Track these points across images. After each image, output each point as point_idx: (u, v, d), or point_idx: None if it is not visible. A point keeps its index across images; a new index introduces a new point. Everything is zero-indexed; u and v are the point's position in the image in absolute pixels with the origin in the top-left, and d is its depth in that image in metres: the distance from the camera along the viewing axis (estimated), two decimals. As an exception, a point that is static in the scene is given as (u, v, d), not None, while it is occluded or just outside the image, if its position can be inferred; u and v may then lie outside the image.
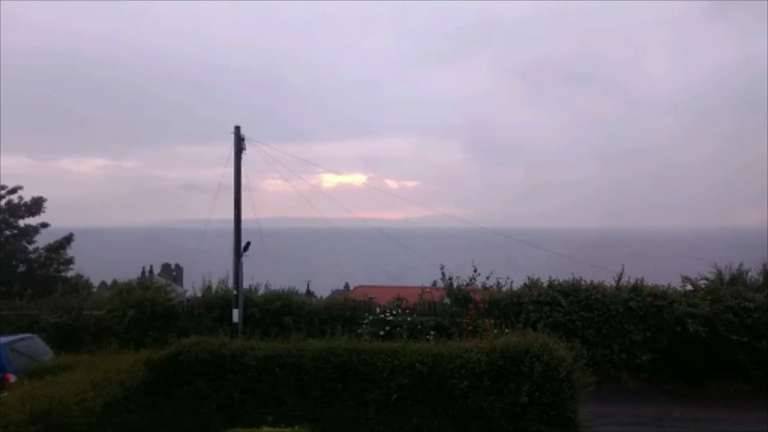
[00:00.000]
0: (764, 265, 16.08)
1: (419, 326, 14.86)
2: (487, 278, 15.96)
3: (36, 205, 25.20)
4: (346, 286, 52.72)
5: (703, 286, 15.71)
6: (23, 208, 24.94)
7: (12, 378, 10.29)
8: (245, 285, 16.32)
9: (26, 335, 12.87)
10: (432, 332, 14.25)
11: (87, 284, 25.81)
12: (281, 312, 15.67)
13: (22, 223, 24.92)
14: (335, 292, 42.50)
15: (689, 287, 15.73)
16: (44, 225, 25.30)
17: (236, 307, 15.28)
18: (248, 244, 15.78)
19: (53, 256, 24.99)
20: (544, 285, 15.42)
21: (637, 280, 15.45)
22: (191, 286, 18.65)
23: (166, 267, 65.63)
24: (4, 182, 25.05)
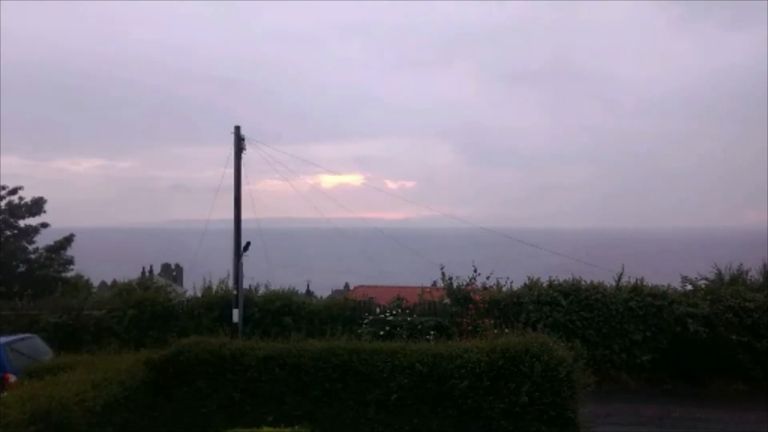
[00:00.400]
0: (764, 265, 16.07)
1: (419, 326, 14.85)
2: (487, 278, 15.96)
3: (36, 206, 25.22)
4: (346, 286, 52.73)
5: (703, 286, 15.69)
6: (23, 209, 24.96)
7: (12, 378, 10.29)
8: (245, 285, 16.33)
9: (26, 335, 12.86)
10: (432, 332, 14.24)
11: (87, 284, 25.83)
12: (281, 312, 15.67)
13: (22, 223, 24.94)
14: (335, 292, 42.52)
15: (689, 287, 15.72)
16: (44, 225, 25.32)
17: (236, 307, 15.29)
18: (248, 244, 15.78)
19: (53, 256, 25.01)
20: (544, 285, 15.41)
21: (637, 280, 15.44)
22: (191, 286, 18.65)
23: (166, 267, 65.73)
24: (2, 183, 25.09)
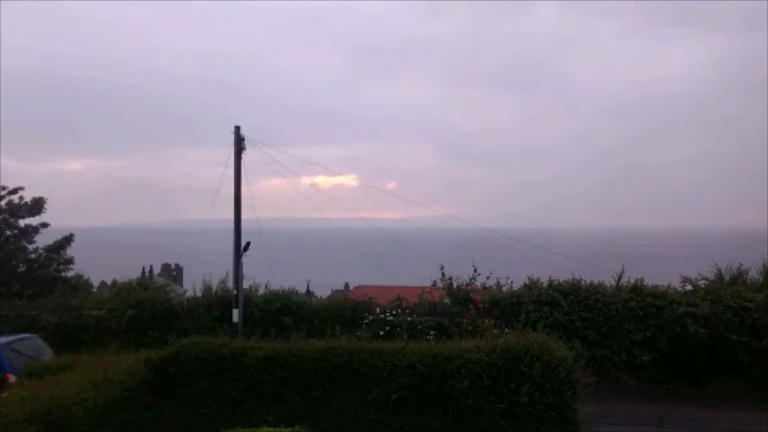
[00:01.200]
0: (764, 265, 16.06)
1: (419, 326, 14.86)
2: (487, 278, 15.95)
3: (36, 206, 25.21)
4: (346, 286, 52.78)
5: (703, 286, 15.68)
6: (23, 208, 24.95)
7: (12, 378, 10.29)
8: (245, 285, 16.33)
9: (26, 335, 12.85)
10: (432, 332, 14.24)
11: (87, 284, 25.83)
12: (281, 312, 15.66)
13: (22, 223, 24.93)
14: (335, 292, 42.56)
15: (689, 287, 15.71)
16: (44, 225, 25.31)
17: (236, 307, 15.28)
18: (248, 244, 15.78)
19: (53, 256, 25.00)
20: (544, 285, 15.40)
21: (637, 280, 15.42)
22: (191, 286, 18.66)
23: (166, 267, 65.74)
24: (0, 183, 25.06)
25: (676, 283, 15.84)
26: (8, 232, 24.41)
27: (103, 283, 37.91)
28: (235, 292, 15.39)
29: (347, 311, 15.70)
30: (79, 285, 24.17)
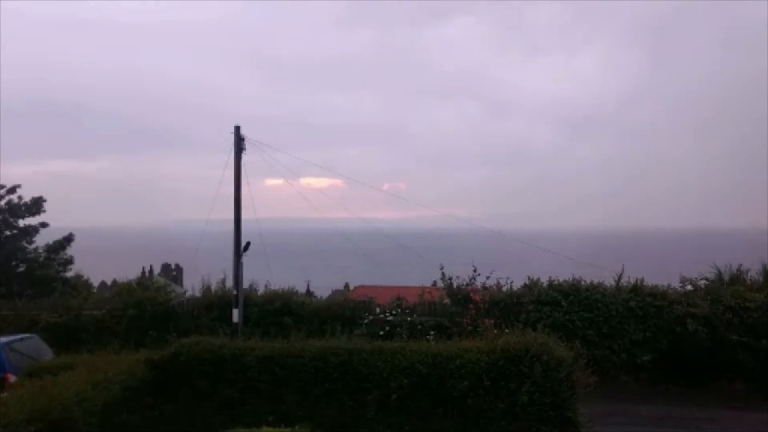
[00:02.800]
0: (764, 265, 16.06)
1: (419, 326, 14.85)
2: (487, 278, 15.93)
3: (36, 205, 25.22)
4: (346, 286, 52.70)
5: (702, 286, 15.67)
6: (23, 208, 24.96)
7: (12, 378, 10.29)
8: (245, 285, 16.31)
9: (26, 335, 12.86)
10: (432, 332, 14.23)
11: (87, 284, 25.85)
12: (281, 312, 15.65)
13: (21, 223, 24.94)
14: (335, 292, 42.49)
15: (689, 287, 15.70)
16: (44, 225, 25.31)
17: (236, 307, 15.27)
18: (248, 244, 15.76)
19: (53, 256, 25.02)
20: (544, 285, 15.39)
21: (637, 280, 15.41)
22: (191, 286, 18.63)
23: (166, 267, 65.82)
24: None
25: (676, 283, 15.82)
26: (8, 232, 24.44)
27: (103, 283, 37.97)
28: (234, 292, 15.38)
29: (347, 311, 15.68)
30: (79, 285, 24.20)
